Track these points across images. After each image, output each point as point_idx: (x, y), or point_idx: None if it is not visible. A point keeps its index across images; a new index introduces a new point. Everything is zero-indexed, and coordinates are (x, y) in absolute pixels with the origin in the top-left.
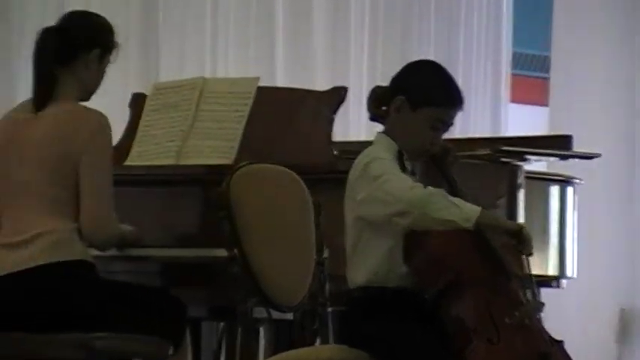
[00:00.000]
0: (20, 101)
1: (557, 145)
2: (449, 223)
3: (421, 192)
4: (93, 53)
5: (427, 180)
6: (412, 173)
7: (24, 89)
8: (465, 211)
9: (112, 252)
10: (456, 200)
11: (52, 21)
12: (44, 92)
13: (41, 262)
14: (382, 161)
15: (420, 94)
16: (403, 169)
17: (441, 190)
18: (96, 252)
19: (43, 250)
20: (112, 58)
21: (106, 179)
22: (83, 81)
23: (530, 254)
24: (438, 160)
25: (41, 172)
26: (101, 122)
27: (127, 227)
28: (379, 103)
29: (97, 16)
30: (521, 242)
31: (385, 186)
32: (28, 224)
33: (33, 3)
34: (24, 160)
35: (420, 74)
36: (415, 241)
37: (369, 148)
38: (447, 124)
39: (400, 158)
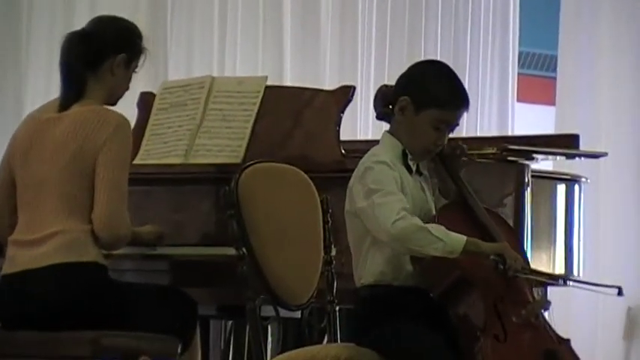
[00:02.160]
0: (28, 103)
1: (564, 144)
2: (434, 256)
3: (404, 227)
4: (119, 58)
5: (432, 178)
6: (418, 172)
7: (32, 91)
8: (449, 244)
9: (122, 250)
10: (441, 232)
11: (60, 25)
12: (71, 95)
13: (53, 262)
14: (381, 171)
15: (425, 95)
16: (408, 168)
17: (426, 226)
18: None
19: (56, 249)
20: (139, 63)
21: (120, 178)
22: (109, 85)
23: (519, 272)
24: (448, 160)
25: (59, 169)
26: (121, 123)
27: (147, 227)
28: (386, 102)
29: (125, 20)
30: (505, 263)
31: (376, 211)
32: (43, 223)
33: (41, 7)
34: (43, 159)
35: (425, 75)
36: None
37: (374, 148)
38: (452, 125)
39: (405, 158)
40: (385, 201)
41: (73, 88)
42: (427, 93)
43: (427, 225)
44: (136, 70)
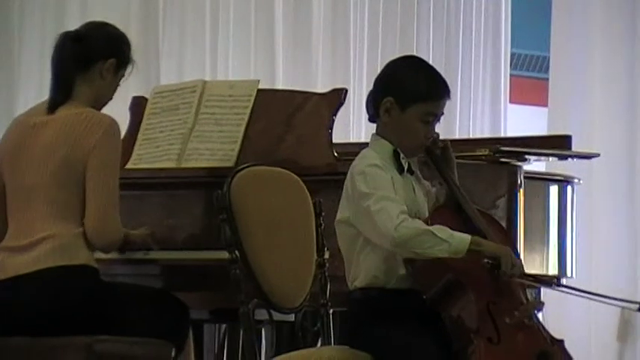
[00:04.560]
0: (20, 105)
1: (557, 145)
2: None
3: (407, 231)
4: (109, 62)
5: (422, 178)
6: (409, 171)
7: (24, 95)
8: (454, 245)
9: (114, 255)
10: (445, 234)
11: (51, 28)
12: (60, 95)
13: (45, 266)
14: (375, 174)
15: (407, 92)
16: (400, 168)
17: (430, 228)
18: (99, 255)
19: (47, 253)
20: (126, 72)
21: (111, 182)
22: (97, 89)
23: (510, 277)
24: (432, 158)
25: (48, 175)
26: (110, 126)
27: (139, 231)
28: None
29: (115, 28)
30: (497, 267)
31: (375, 217)
32: (33, 228)
33: (33, 11)
34: (32, 164)
35: (402, 72)
36: None
37: (364, 151)
38: (438, 115)
39: (397, 157)
40: (383, 206)
41: (62, 87)
42: (409, 89)
43: (430, 227)
44: (122, 79)
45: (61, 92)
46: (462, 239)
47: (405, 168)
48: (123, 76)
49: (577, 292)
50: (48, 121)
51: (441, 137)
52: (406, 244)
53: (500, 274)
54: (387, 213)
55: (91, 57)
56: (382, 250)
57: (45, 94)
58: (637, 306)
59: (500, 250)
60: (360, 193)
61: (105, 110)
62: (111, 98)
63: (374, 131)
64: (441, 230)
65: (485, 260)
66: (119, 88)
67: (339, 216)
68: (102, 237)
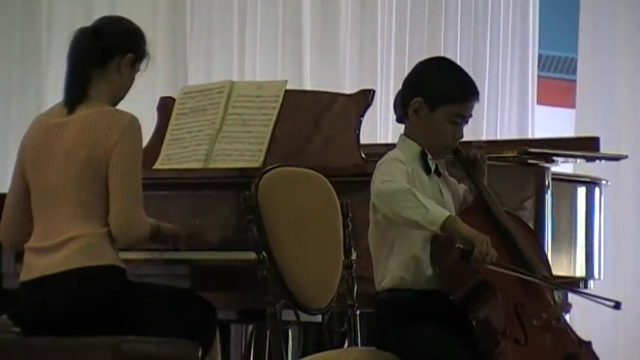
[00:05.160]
0: (49, 100)
1: (584, 146)
2: (413, 222)
3: (392, 186)
4: (127, 58)
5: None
6: (437, 172)
7: (53, 88)
8: (431, 213)
9: (142, 255)
10: (427, 202)
11: (80, 21)
12: (76, 92)
13: (70, 267)
14: (392, 164)
15: (437, 93)
16: (427, 169)
17: (414, 191)
18: (126, 256)
19: (73, 254)
20: (142, 66)
21: (134, 179)
22: (114, 85)
23: (480, 263)
24: (469, 166)
25: (71, 176)
26: (131, 123)
27: (165, 224)
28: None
29: (131, 22)
30: (469, 253)
31: (376, 178)
32: (58, 229)
33: (62, 2)
34: (54, 165)
35: (432, 73)
36: (443, 243)
37: (392, 151)
38: (467, 117)
39: (424, 158)
40: (386, 171)
41: (78, 84)
42: (439, 90)
43: (416, 191)
44: (137, 73)
45: (78, 90)
46: (440, 212)
47: (433, 169)
48: (139, 70)
49: (545, 284)
50: (68, 121)
51: (469, 138)
52: (386, 197)
53: (471, 259)
54: (385, 171)
55: (108, 52)
56: (409, 250)
57: None
58: (613, 304)
59: (476, 237)
60: (375, 180)
61: (132, 111)
62: (126, 92)
63: (401, 132)
64: (424, 197)
65: (457, 245)
66: (147, 90)
67: (370, 217)
68: (128, 234)
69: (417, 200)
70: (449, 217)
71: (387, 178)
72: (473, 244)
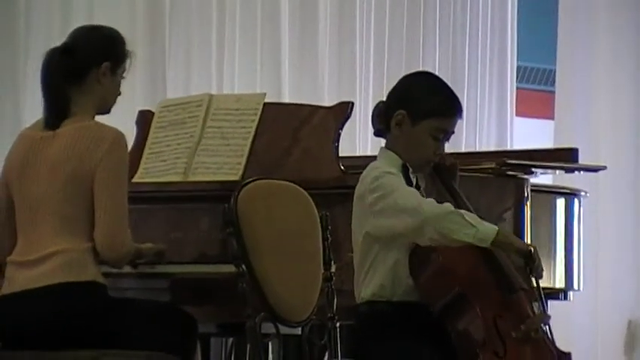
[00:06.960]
0: (26, 120)
1: (563, 157)
2: (464, 243)
3: (436, 208)
4: (103, 67)
5: (431, 194)
6: (417, 186)
7: (30, 109)
8: (481, 231)
9: (123, 269)
10: (473, 219)
11: (57, 41)
12: (57, 112)
13: (52, 282)
14: (391, 178)
15: (421, 107)
16: (409, 182)
17: (459, 210)
18: (106, 269)
19: (55, 269)
20: (126, 66)
21: (120, 195)
22: (97, 96)
23: (540, 276)
24: (444, 174)
25: (56, 190)
26: (117, 139)
27: (147, 245)
28: (383, 118)
29: (105, 28)
30: (530, 264)
31: (400, 201)
32: (41, 243)
33: (38, 24)
34: (40, 178)
35: (417, 87)
36: (422, 255)
37: (374, 163)
38: (449, 132)
39: (405, 172)
40: (404, 192)
41: (56, 107)
42: (423, 104)
43: (459, 210)
44: (124, 75)
45: (56, 111)
46: (490, 228)
47: (414, 183)
48: (124, 70)
49: None
50: (55, 135)
51: (448, 150)
52: (435, 219)
53: (533, 269)
54: (411, 195)
55: (82, 68)
56: (389, 261)
57: None
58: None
59: (529, 246)
60: (378, 197)
61: (111, 124)
62: (118, 95)
63: (380, 145)
64: (469, 214)
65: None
66: (125, 103)
67: (354, 228)
68: (113, 251)
69: (463, 220)
70: (498, 232)
71: (399, 194)
72: (529, 254)
